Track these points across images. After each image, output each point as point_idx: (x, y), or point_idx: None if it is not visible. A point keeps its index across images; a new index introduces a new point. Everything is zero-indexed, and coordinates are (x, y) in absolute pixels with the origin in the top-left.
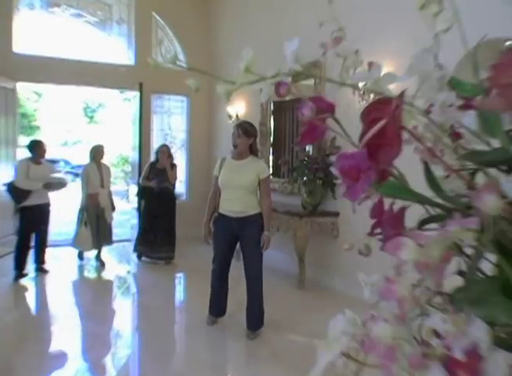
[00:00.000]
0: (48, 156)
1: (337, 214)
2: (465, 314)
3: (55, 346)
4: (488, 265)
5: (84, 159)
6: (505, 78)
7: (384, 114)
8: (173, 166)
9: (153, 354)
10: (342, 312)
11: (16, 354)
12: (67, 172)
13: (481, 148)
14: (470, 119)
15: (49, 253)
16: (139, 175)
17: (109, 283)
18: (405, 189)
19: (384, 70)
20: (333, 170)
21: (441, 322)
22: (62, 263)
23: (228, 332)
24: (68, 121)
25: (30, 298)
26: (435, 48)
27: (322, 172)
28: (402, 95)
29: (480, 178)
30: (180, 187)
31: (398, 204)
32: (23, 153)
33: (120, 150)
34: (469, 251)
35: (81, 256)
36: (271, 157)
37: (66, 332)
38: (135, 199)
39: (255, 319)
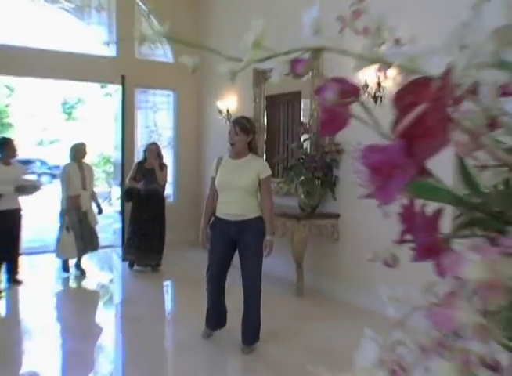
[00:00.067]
0: (22, 156)
1: (337, 216)
2: None
3: (29, 367)
4: None
5: (63, 159)
6: None
7: (423, 98)
8: (163, 166)
9: (140, 372)
10: (367, 336)
11: None
12: (43, 173)
13: None
14: None
15: (23, 262)
16: (122, 175)
17: (90, 293)
18: (439, 188)
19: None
20: (358, 166)
21: None
22: (37, 273)
23: (223, 345)
24: (44, 117)
25: (1, 312)
26: (475, 20)
27: (321, 171)
28: (448, 73)
29: None
30: (167, 188)
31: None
32: None
33: (102, 149)
34: None
35: (65, 267)
36: (264, 156)
37: (42, 351)
38: (118, 202)
39: (251, 333)
